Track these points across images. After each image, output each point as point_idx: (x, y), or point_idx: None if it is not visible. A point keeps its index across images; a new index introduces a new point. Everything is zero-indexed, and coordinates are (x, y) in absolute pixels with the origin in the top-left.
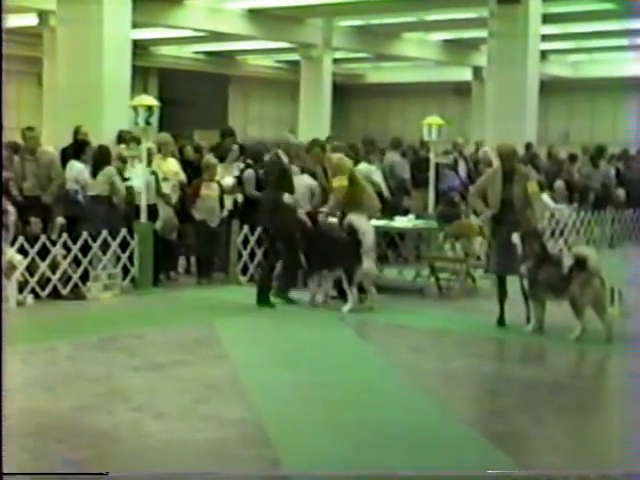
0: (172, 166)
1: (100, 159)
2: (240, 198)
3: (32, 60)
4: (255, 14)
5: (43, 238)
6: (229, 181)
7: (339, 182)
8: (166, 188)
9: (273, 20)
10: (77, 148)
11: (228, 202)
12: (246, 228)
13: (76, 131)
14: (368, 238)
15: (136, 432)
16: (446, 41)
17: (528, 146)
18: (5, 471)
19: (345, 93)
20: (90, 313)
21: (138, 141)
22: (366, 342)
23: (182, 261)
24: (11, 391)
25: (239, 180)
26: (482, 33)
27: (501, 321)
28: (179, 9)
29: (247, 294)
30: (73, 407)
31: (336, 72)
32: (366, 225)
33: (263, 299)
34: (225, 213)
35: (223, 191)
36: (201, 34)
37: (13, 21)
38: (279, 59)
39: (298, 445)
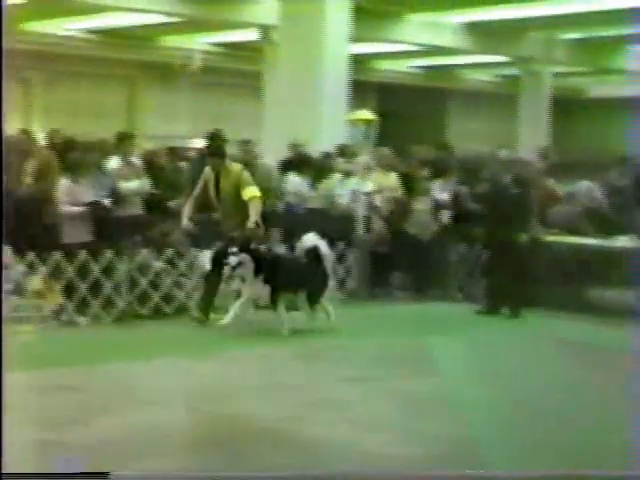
0: (392, 181)
1: (319, 173)
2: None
3: (252, 74)
4: (474, 27)
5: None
6: (444, 196)
7: None
8: (378, 201)
9: (492, 33)
10: (296, 161)
11: (444, 217)
12: (463, 244)
13: (292, 144)
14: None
15: (348, 444)
16: None
17: None
18: (5, 471)
19: (565, 107)
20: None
21: (355, 155)
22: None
23: (398, 275)
24: (224, 396)
25: (455, 195)
26: None
27: None
28: (398, 23)
29: (462, 311)
30: (284, 415)
31: (556, 86)
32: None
33: None
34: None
35: (438, 206)
36: (419, 48)
37: (235, 36)
38: (498, 73)
39: (512, 468)
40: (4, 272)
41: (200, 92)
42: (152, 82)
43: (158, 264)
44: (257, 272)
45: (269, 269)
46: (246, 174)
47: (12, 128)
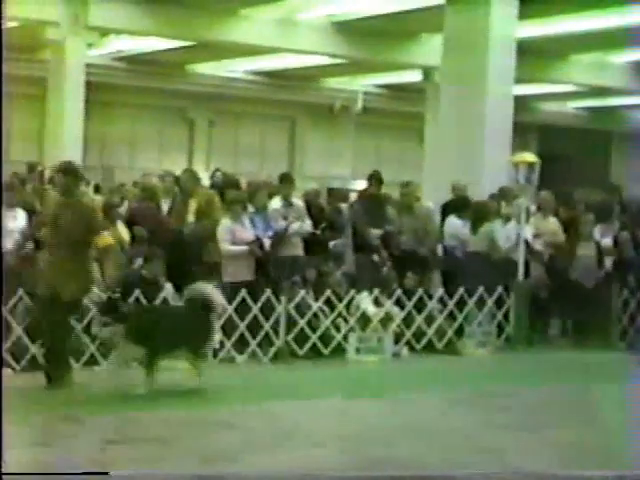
0: (552, 225)
1: (480, 215)
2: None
3: (413, 115)
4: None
5: (420, 292)
6: (607, 241)
7: None
8: (538, 245)
9: None
10: (457, 204)
11: (608, 263)
12: (625, 291)
13: (454, 187)
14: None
15: None
16: None
17: None
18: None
19: None
20: (463, 368)
21: (516, 198)
22: None
23: (558, 322)
24: (376, 438)
25: (616, 240)
26: None
27: None
28: (563, 64)
29: (623, 360)
30: (439, 461)
31: None
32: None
33: None
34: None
35: (601, 251)
36: (583, 89)
37: (397, 77)
38: None
39: None
40: None
41: (361, 133)
42: (313, 123)
43: (316, 305)
44: (128, 334)
45: (141, 329)
46: (100, 216)
47: (177, 167)
